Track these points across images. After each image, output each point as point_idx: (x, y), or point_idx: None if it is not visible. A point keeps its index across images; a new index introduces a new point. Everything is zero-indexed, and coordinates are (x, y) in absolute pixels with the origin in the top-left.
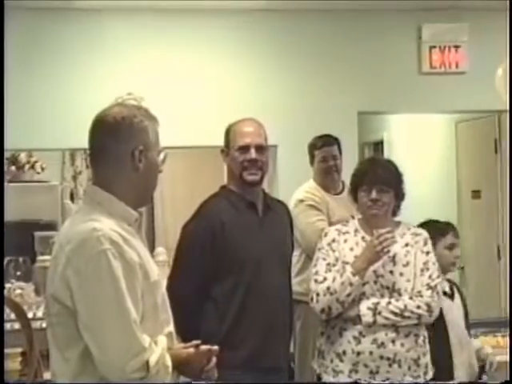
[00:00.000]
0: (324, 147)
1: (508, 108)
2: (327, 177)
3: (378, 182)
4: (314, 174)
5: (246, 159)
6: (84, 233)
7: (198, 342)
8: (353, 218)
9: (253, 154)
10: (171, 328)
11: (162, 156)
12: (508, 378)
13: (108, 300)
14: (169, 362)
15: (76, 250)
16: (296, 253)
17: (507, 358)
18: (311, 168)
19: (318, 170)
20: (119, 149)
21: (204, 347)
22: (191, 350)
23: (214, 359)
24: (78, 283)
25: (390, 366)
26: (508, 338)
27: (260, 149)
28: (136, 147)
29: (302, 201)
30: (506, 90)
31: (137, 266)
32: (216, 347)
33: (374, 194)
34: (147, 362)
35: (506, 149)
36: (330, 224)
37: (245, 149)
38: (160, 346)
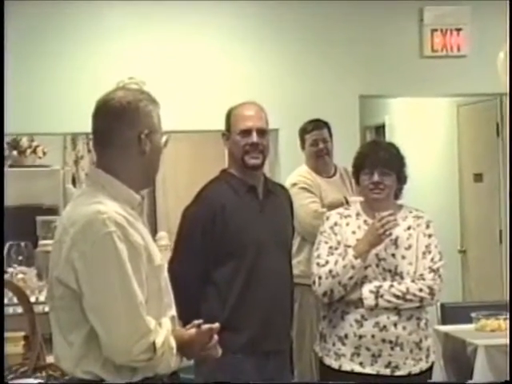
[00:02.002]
0: (314, 131)
1: (508, 91)
2: (319, 160)
3: (380, 164)
4: (305, 158)
5: (247, 143)
6: (89, 215)
7: (199, 321)
8: (346, 199)
9: (254, 137)
10: (173, 312)
11: (163, 139)
12: (508, 378)
13: (114, 282)
14: (173, 344)
15: (81, 233)
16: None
17: (507, 350)
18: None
19: (310, 153)
20: (125, 133)
21: (205, 326)
22: (193, 330)
23: (216, 337)
24: (83, 266)
25: (392, 349)
26: (508, 338)
27: (261, 132)
28: (142, 131)
29: (294, 184)
30: (507, 74)
31: (142, 248)
32: (217, 324)
33: (375, 177)
34: (154, 344)
35: (507, 132)
36: (323, 206)
37: (246, 132)
38: (164, 327)
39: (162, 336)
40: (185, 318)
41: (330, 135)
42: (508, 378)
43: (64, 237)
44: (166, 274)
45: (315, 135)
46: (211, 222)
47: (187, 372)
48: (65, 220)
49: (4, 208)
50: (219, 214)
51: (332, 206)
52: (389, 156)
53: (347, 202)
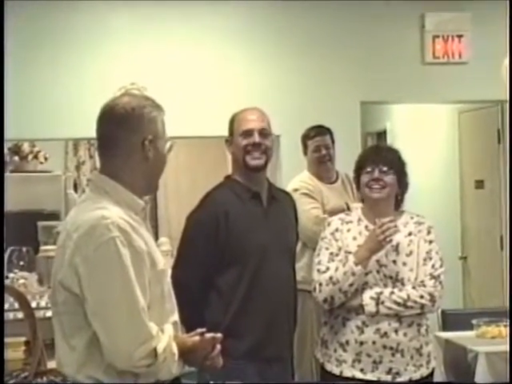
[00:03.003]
0: (317, 137)
1: (508, 98)
2: (321, 166)
3: (381, 163)
4: (307, 164)
5: (249, 143)
6: (92, 220)
7: (202, 329)
8: (347, 205)
9: (256, 137)
10: (176, 317)
11: (168, 145)
12: (508, 380)
13: (117, 288)
14: (175, 350)
15: (84, 238)
16: None
17: (507, 355)
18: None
19: (312, 159)
20: (130, 139)
21: (208, 335)
22: (196, 338)
23: (218, 347)
24: (86, 270)
25: (392, 355)
26: (508, 344)
27: (263, 133)
28: (146, 137)
29: (296, 190)
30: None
31: (145, 254)
32: (220, 335)
33: (376, 174)
34: (155, 350)
35: (508, 139)
36: (324, 212)
37: (248, 133)
38: (167, 333)
39: (164, 342)
40: (188, 323)
41: (333, 141)
42: (508, 381)
43: (67, 242)
44: (168, 279)
45: (318, 141)
46: (215, 229)
47: (190, 378)
48: (68, 225)
49: (4, 214)
50: (223, 220)
51: (333, 212)
52: (390, 156)
53: (348, 209)
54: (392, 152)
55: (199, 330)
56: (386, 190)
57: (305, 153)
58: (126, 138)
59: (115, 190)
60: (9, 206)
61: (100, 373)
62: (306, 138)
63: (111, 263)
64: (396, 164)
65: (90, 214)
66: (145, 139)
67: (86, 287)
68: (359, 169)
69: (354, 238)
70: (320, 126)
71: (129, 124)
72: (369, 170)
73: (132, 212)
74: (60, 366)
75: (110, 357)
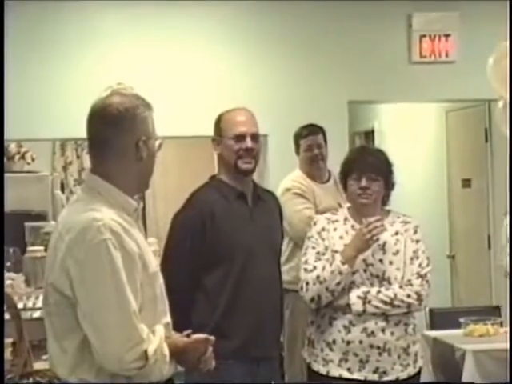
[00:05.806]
0: (309, 136)
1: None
2: (313, 165)
3: (368, 169)
4: (299, 163)
5: (241, 148)
6: (84, 222)
7: (188, 331)
8: (340, 205)
9: (249, 142)
10: (168, 318)
11: (157, 143)
12: (508, 380)
13: (108, 290)
14: (166, 351)
15: (76, 240)
16: (283, 241)
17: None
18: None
19: (304, 158)
20: (123, 140)
21: (201, 336)
22: (188, 339)
23: (211, 349)
24: (77, 273)
25: (379, 354)
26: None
27: (254, 138)
28: (140, 138)
29: (288, 189)
30: (504, 80)
31: (136, 256)
32: (213, 337)
33: (363, 182)
34: (145, 352)
35: (496, 138)
36: (317, 212)
37: (240, 137)
38: (158, 335)
39: (155, 344)
40: (174, 324)
41: (325, 140)
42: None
43: (59, 243)
44: (161, 280)
45: (310, 140)
46: (201, 229)
47: (177, 378)
48: (60, 226)
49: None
50: (209, 220)
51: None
52: (377, 162)
53: None
54: (378, 156)
55: (185, 333)
56: (373, 196)
57: (297, 152)
58: (120, 139)
59: (108, 192)
60: None
61: (92, 376)
62: (298, 136)
63: (103, 266)
64: (383, 170)
65: (81, 215)
66: (139, 140)
67: (78, 290)
68: (345, 172)
69: (341, 237)
70: (313, 125)
71: (122, 125)
72: (355, 176)
73: (125, 213)
74: (53, 366)
75: (101, 359)
